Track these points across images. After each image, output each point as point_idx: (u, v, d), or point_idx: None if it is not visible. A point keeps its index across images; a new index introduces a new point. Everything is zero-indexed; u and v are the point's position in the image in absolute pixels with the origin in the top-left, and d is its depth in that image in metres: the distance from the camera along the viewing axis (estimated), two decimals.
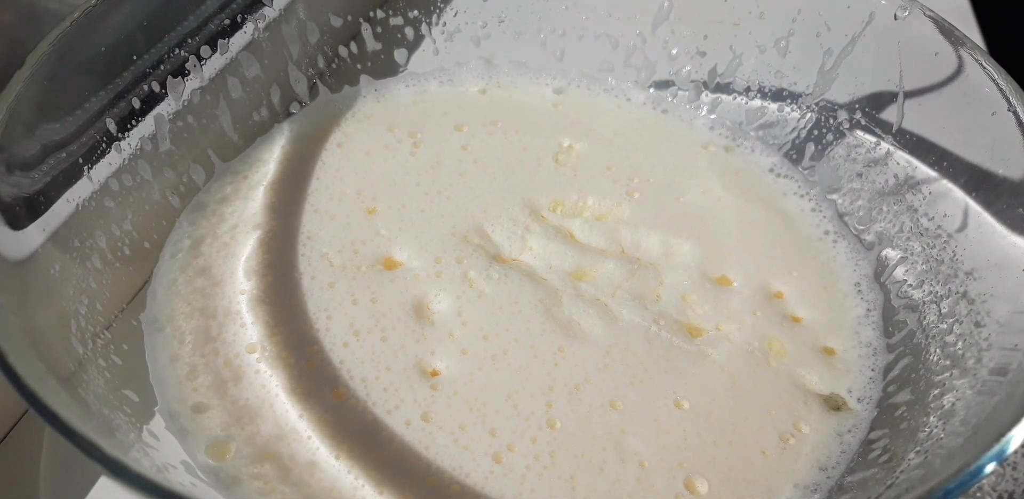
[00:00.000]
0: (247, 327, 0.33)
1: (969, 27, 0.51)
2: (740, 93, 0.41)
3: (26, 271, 0.27)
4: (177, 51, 0.35)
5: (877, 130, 0.35)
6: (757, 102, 0.40)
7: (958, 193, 0.32)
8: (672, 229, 0.38)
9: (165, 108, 0.35)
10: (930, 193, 0.33)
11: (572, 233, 0.38)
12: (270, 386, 0.32)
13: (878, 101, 0.35)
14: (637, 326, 0.34)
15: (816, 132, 0.38)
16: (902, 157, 0.34)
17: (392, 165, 0.39)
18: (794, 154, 0.40)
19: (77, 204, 0.30)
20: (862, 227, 0.37)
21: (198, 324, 0.33)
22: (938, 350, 0.30)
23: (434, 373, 0.32)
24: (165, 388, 0.31)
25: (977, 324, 0.29)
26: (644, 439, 0.31)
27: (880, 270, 0.35)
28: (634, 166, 0.40)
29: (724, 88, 0.41)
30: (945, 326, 0.30)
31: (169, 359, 0.32)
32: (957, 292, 0.31)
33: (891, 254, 0.35)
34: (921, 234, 0.34)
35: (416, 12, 0.41)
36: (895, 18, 0.32)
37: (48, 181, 0.29)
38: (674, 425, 0.31)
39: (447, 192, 0.38)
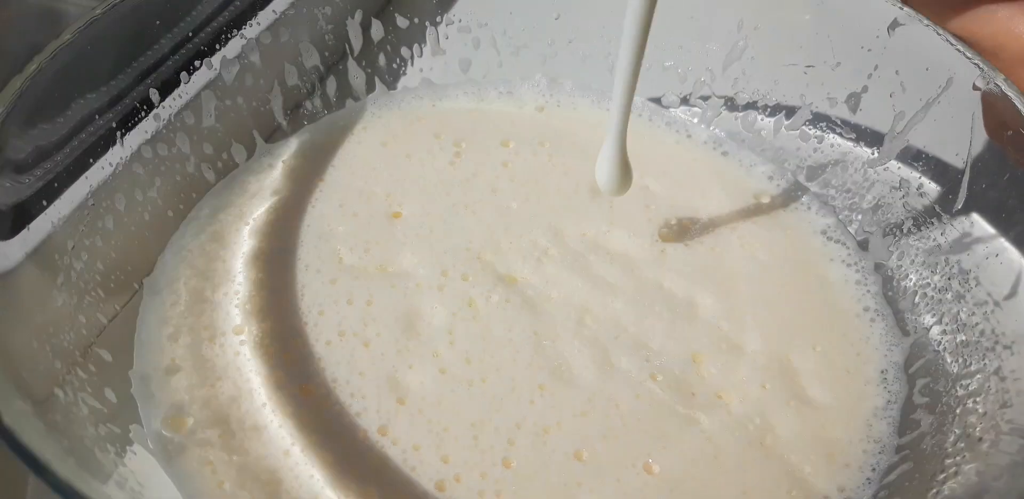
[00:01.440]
0: (240, 308, 0.33)
1: None
2: (806, 146, 0.38)
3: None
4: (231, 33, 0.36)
5: (938, 208, 0.32)
6: (823, 157, 0.37)
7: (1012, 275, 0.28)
8: (698, 280, 0.35)
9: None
10: (979, 279, 0.30)
11: (590, 266, 0.36)
12: (244, 370, 0.32)
13: (942, 176, 0.32)
14: (630, 378, 0.32)
15: (877, 200, 0.35)
16: (959, 239, 0.31)
17: (428, 171, 0.39)
18: (851, 218, 0.36)
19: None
20: (904, 309, 0.33)
21: (196, 285, 0.33)
22: (941, 461, 0.27)
23: (405, 388, 0.31)
24: (145, 350, 0.32)
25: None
26: (599, 497, 0.29)
27: (911, 360, 0.32)
28: (676, 207, 0.38)
29: (791, 139, 0.38)
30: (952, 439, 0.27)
31: (157, 321, 0.33)
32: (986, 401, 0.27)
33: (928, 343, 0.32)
34: (964, 331, 0.30)
35: (485, 24, 0.41)
36: (973, 88, 0.29)
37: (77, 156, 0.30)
38: (636, 489, 0.29)
39: (475, 206, 0.38)
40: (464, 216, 0.37)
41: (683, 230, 0.37)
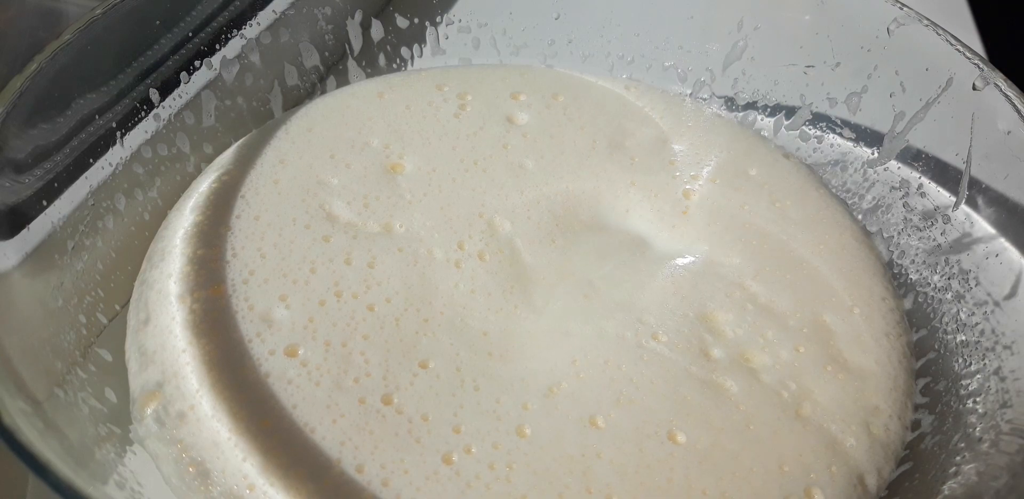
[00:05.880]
0: (225, 266, 0.31)
1: (968, 33, 0.46)
2: (806, 146, 0.38)
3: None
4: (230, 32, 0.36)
5: (938, 208, 0.32)
6: (822, 157, 0.37)
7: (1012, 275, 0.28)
8: (722, 239, 0.33)
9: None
10: (978, 279, 0.30)
11: (607, 244, 0.33)
12: (213, 332, 0.30)
13: (942, 176, 0.32)
14: (626, 339, 0.30)
15: (877, 200, 0.35)
16: (959, 239, 0.31)
17: (431, 122, 0.37)
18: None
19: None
20: (904, 309, 0.33)
21: (178, 267, 0.32)
22: (941, 461, 0.27)
23: (422, 364, 0.29)
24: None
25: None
26: (620, 469, 0.27)
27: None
28: (699, 163, 0.36)
29: (791, 139, 0.38)
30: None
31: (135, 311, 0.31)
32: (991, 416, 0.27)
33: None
34: (963, 331, 0.30)
35: (485, 24, 0.41)
36: (973, 88, 0.29)
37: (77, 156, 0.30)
38: (660, 460, 0.27)
39: (484, 163, 0.35)
40: (474, 174, 0.35)
41: (709, 189, 0.35)
